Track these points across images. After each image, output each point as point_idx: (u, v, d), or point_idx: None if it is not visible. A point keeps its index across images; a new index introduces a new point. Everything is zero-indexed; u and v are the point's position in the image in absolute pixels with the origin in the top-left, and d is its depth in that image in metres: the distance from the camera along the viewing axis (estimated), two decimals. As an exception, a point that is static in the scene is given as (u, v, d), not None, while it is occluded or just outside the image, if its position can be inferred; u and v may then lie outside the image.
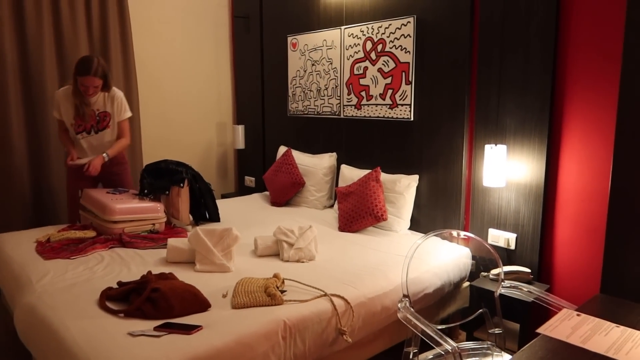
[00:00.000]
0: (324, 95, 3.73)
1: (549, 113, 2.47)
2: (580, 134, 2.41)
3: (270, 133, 4.38)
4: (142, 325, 1.78)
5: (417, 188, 3.10)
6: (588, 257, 2.42)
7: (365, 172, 3.28)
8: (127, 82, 3.97)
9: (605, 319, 1.56)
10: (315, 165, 3.69)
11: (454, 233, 2.55)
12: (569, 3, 2.39)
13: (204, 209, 3.31)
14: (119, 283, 2.10)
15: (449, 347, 1.47)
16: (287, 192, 3.72)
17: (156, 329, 1.75)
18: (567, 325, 1.52)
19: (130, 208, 2.91)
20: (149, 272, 2.14)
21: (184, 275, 2.27)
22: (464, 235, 2.80)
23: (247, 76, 4.60)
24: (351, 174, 3.40)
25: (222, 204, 3.75)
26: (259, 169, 4.53)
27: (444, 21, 2.89)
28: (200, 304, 1.96)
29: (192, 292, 1.99)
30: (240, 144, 4.59)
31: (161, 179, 3.15)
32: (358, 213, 3.07)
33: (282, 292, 2.12)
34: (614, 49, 2.25)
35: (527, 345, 1.39)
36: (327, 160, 3.66)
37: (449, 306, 2.78)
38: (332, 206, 3.68)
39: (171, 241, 2.54)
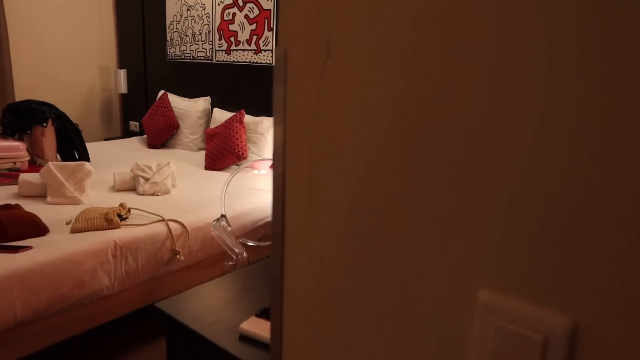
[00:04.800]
0: (199, 40, 3.82)
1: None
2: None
3: (152, 77, 4.41)
4: (-27, 248, 1.90)
5: (279, 130, 3.32)
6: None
7: (235, 114, 3.46)
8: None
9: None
10: (190, 109, 3.81)
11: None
12: None
13: (73, 150, 3.37)
14: (-43, 212, 2.18)
15: (236, 250, 1.73)
16: (162, 135, 3.83)
17: (-17, 249, 1.88)
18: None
19: (-14, 146, 2.93)
20: (-10, 202, 2.23)
21: (34, 207, 2.37)
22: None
23: (129, 20, 4.55)
24: (221, 117, 3.56)
25: (98, 146, 3.81)
26: (142, 113, 4.57)
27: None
28: (37, 229, 2.09)
29: (30, 218, 2.12)
30: (123, 89, 4.58)
31: (23, 118, 3.16)
32: (222, 152, 3.26)
33: (125, 219, 2.30)
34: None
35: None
36: (202, 104, 3.79)
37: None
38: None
39: (23, 176, 2.62)
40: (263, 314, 1.13)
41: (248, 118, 3.36)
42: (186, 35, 3.93)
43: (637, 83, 0.34)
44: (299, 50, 0.55)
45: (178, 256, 2.24)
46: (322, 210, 0.55)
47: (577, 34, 0.36)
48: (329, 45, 0.53)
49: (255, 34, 3.37)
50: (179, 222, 2.31)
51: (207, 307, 1.20)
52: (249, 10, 3.38)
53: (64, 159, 3.35)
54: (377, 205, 0.50)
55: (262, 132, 3.27)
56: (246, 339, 1.07)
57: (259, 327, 1.06)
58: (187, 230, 2.31)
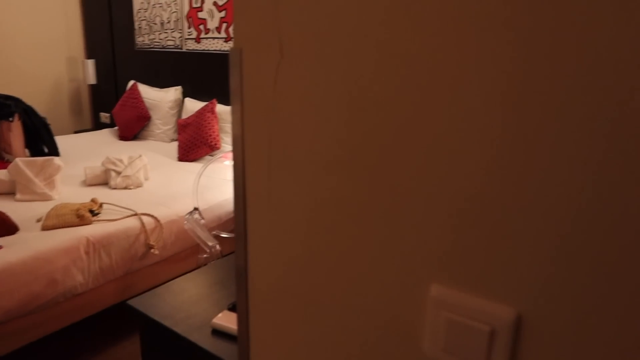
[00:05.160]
0: (167, 29, 3.75)
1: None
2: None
3: (121, 67, 4.32)
4: (-61, 249, 1.86)
5: (252, 118, 3.30)
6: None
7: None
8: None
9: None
10: (161, 99, 3.75)
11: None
12: None
13: (42, 144, 3.29)
14: None
15: (209, 244, 1.73)
16: (133, 126, 3.77)
17: (-50, 250, 1.84)
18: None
19: (-50, 143, 2.84)
20: (-45, 202, 2.18)
21: (3, 205, 2.32)
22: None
23: (95, 8, 4.43)
24: (193, 107, 3.52)
25: (68, 140, 3.73)
26: (113, 104, 4.47)
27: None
28: (7, 227, 2.05)
29: (-2, 217, 2.08)
30: (92, 79, 4.48)
31: (-13, 113, 3.07)
32: (194, 143, 3.23)
33: (97, 214, 2.27)
34: None
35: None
36: (173, 93, 3.74)
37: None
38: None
39: (-10, 173, 2.56)
40: (234, 307, 1.14)
41: (220, 107, 3.32)
42: (154, 24, 3.85)
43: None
44: (253, 50, 0.55)
45: (152, 250, 2.23)
46: (281, 205, 0.56)
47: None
48: (282, 46, 0.53)
49: (224, 22, 3.32)
50: (153, 216, 2.29)
51: (179, 302, 1.21)
52: (217, -2, 3.33)
53: (32, 153, 3.28)
54: (333, 202, 0.51)
55: (235, 122, 3.25)
56: (218, 333, 1.08)
57: (231, 321, 1.07)
58: (160, 224, 2.29)
